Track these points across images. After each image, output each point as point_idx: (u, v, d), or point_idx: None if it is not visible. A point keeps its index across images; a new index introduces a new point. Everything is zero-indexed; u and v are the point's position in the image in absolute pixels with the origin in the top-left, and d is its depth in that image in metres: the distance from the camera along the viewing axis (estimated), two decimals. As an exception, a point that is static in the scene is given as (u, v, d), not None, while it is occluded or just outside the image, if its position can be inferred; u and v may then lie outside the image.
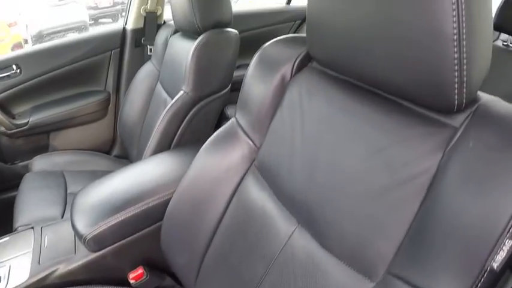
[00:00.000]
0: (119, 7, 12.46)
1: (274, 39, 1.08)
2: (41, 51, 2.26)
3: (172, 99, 1.76)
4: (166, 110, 1.71)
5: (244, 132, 1.07)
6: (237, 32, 1.78)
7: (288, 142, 0.92)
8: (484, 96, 0.68)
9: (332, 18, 0.76)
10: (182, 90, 1.71)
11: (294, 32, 3.04)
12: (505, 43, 2.22)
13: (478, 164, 0.58)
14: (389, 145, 0.71)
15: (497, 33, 2.29)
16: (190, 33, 1.81)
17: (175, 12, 1.85)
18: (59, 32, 9.97)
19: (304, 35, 0.96)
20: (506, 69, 2.15)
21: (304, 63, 0.97)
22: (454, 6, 0.56)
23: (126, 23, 2.43)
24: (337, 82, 0.86)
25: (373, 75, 0.73)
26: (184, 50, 1.79)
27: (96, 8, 12.28)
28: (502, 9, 2.05)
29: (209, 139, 1.15)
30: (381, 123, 0.74)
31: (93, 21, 11.74)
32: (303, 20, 3.08)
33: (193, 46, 1.67)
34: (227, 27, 1.78)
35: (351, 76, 0.82)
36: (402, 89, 0.70)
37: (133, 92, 2.19)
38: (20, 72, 2.16)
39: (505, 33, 2.19)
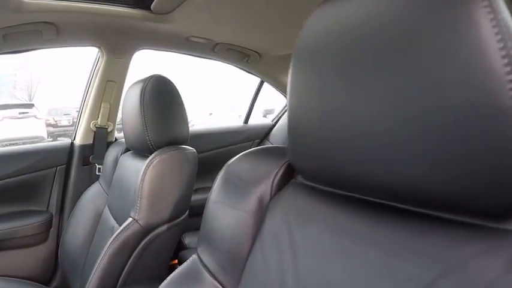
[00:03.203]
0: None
1: (243, 153, 0.88)
2: None
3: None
4: (111, 240, 1.43)
5: (211, 274, 0.81)
6: (195, 150, 1.60)
7: (275, 286, 0.67)
8: None
9: (327, 118, 0.59)
10: (131, 217, 1.45)
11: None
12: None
13: None
14: (434, 279, 0.48)
15: None
16: (142, 151, 1.62)
17: (125, 128, 1.66)
18: (14, 144, 9.92)
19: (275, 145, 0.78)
20: None
21: (285, 178, 0.78)
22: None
23: (74, 138, 2.24)
24: (337, 200, 0.66)
25: (391, 185, 0.53)
26: (134, 170, 1.59)
27: (55, 125, 12.72)
28: None
29: (164, 283, 0.88)
30: (415, 250, 0.52)
31: (51, 139, 11.90)
32: (262, 139, 3.03)
33: (145, 165, 1.46)
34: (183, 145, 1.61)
35: (357, 190, 0.61)
36: (439, 195, 0.50)
37: (78, 216, 1.93)
38: None
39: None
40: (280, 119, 3.12)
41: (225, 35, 2.19)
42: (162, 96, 1.56)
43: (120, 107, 2.07)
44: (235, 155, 0.90)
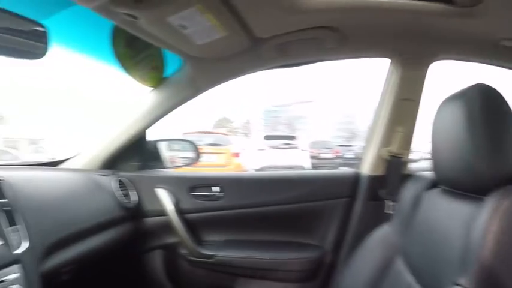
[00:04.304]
0: (339, 161, 13.59)
1: None
2: (252, 179, 2.03)
3: None
4: None
5: None
6: None
7: None
8: None
9: None
10: (458, 285, 1.01)
11: None
12: None
13: None
14: None
15: None
16: (466, 190, 1.17)
17: (439, 157, 1.25)
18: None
19: None
20: None
21: None
22: None
23: (360, 167, 1.97)
24: None
25: None
26: (454, 215, 1.14)
27: (317, 157, 13.36)
28: None
29: None
30: None
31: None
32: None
33: (485, 212, 1.00)
34: None
35: None
36: None
37: (360, 260, 1.59)
38: (223, 196, 1.93)
39: None
40: None
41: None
42: (495, 113, 1.09)
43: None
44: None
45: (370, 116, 2.01)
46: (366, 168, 1.91)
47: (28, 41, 1.21)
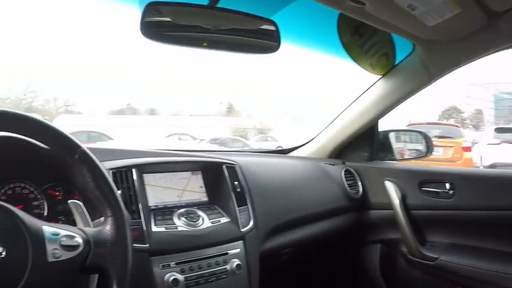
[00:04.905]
0: None
1: None
2: (489, 178, 1.81)
3: None
4: None
5: None
6: None
7: None
8: None
9: None
10: None
11: None
12: None
13: None
14: None
15: None
16: None
17: None
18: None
19: None
20: None
21: None
22: None
23: None
24: None
25: None
26: None
27: None
28: None
29: None
30: None
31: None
32: None
33: None
34: None
35: None
36: None
37: None
38: (454, 194, 1.74)
39: None
40: None
41: None
42: None
43: None
44: None
45: None
46: None
47: (262, 38, 1.28)
